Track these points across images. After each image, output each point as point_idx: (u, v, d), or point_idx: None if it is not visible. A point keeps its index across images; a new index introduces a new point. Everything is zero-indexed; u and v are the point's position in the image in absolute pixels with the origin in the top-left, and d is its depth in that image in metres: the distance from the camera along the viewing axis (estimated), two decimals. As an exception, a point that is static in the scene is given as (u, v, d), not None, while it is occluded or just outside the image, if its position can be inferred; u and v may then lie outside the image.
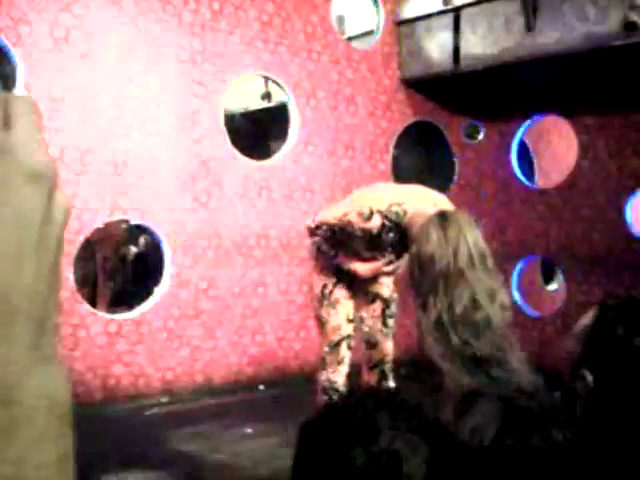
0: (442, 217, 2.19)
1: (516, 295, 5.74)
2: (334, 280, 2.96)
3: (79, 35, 3.83)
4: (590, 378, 1.41)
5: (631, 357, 1.40)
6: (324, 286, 2.97)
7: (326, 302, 2.97)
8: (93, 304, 4.01)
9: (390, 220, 2.66)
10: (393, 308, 3.16)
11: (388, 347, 3.11)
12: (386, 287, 3.15)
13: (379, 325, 3.10)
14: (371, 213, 2.66)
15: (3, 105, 0.36)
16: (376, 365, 3.07)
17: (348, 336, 2.98)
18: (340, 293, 2.97)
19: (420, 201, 2.67)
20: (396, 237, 2.71)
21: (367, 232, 2.69)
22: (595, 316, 1.45)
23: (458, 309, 1.94)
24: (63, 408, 0.39)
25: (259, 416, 4.02)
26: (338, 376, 2.94)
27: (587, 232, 5.31)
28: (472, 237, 2.17)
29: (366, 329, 3.08)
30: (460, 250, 2.13)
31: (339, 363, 2.94)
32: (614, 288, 4.92)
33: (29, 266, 0.37)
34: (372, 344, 3.06)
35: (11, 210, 0.36)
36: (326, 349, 2.99)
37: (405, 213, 2.60)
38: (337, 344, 2.96)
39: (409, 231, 2.60)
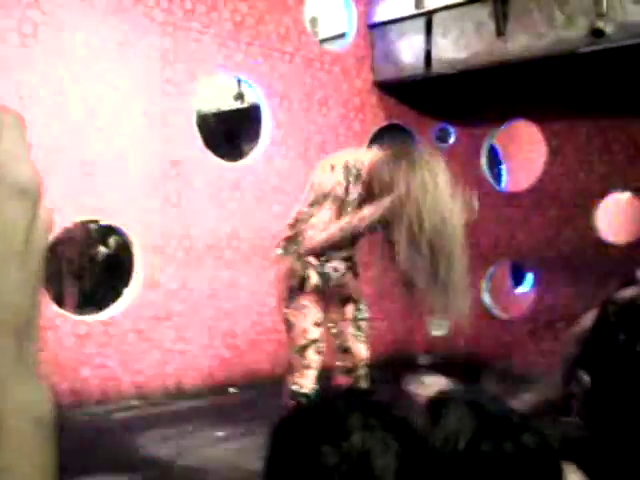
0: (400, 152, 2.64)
1: (487, 298, 5.79)
2: (301, 280, 2.92)
3: (48, 32, 3.77)
4: (587, 379, 1.41)
5: (632, 363, 1.41)
6: (290, 289, 2.93)
7: (292, 305, 2.92)
8: (60, 305, 3.94)
9: (350, 174, 2.78)
10: (364, 311, 3.14)
11: (362, 352, 3.08)
12: (355, 290, 3.13)
13: (351, 329, 3.08)
14: (332, 168, 2.78)
15: None
16: (350, 370, 3.05)
17: (315, 340, 2.93)
18: (307, 297, 2.92)
19: (374, 154, 2.85)
20: (360, 194, 2.79)
21: (335, 196, 2.77)
22: (596, 320, 1.45)
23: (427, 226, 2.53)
24: (45, 421, 0.38)
25: (230, 419, 3.99)
26: (305, 380, 2.89)
27: (556, 235, 5.37)
28: (433, 167, 2.54)
29: (337, 333, 3.05)
30: (423, 177, 2.59)
31: (306, 367, 2.89)
32: (582, 291, 4.99)
33: (12, 279, 0.36)
34: (345, 348, 3.04)
35: None
36: (293, 353, 2.95)
37: (362, 163, 2.77)
38: (304, 348, 2.92)
39: (371, 177, 2.75)
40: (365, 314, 3.16)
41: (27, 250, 0.36)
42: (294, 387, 2.90)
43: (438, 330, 6.02)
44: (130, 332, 4.13)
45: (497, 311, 5.79)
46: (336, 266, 3.02)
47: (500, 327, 5.66)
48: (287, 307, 2.94)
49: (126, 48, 4.08)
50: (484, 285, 5.80)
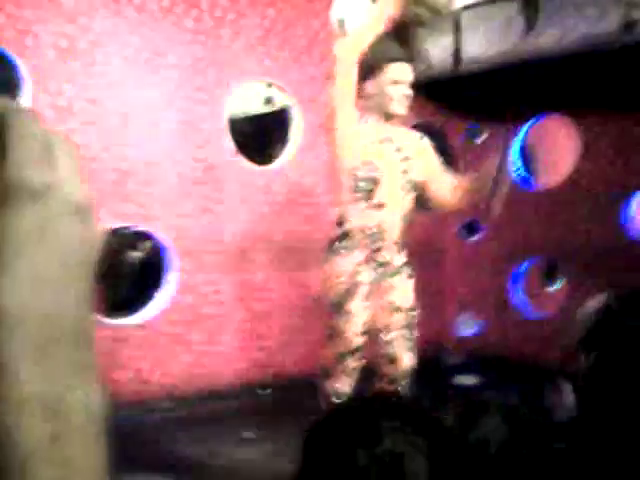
0: None
1: (518, 295, 5.77)
2: (347, 289, 2.80)
3: (83, 44, 3.87)
4: (586, 359, 1.44)
5: (635, 345, 1.43)
6: (337, 296, 2.81)
7: (341, 312, 2.82)
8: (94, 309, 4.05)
9: None
10: (415, 319, 3.01)
11: (408, 361, 2.97)
12: (407, 296, 2.99)
13: (400, 339, 2.95)
14: None
15: (46, 146, 0.41)
16: (393, 381, 2.95)
17: (358, 349, 2.85)
18: (356, 304, 2.81)
19: None
20: None
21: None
22: (603, 304, 1.48)
23: None
24: (99, 422, 0.44)
25: (261, 421, 4.05)
26: (344, 386, 2.86)
27: (588, 233, 5.33)
28: None
29: (387, 341, 2.93)
30: None
31: (346, 374, 2.86)
32: (615, 289, 4.94)
33: (73, 291, 0.41)
34: (392, 359, 2.93)
35: (56, 243, 0.40)
36: (334, 359, 2.89)
37: None
38: (345, 356, 2.86)
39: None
40: (415, 319, 3.01)
41: (83, 263, 0.42)
42: (331, 392, 2.90)
43: (467, 329, 6.03)
44: (163, 335, 4.23)
45: (529, 309, 5.77)
46: (387, 259, 2.89)
47: (532, 325, 5.64)
48: (334, 313, 2.83)
49: (158, 57, 4.17)
50: (515, 283, 5.79)
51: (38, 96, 3.74)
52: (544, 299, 6.18)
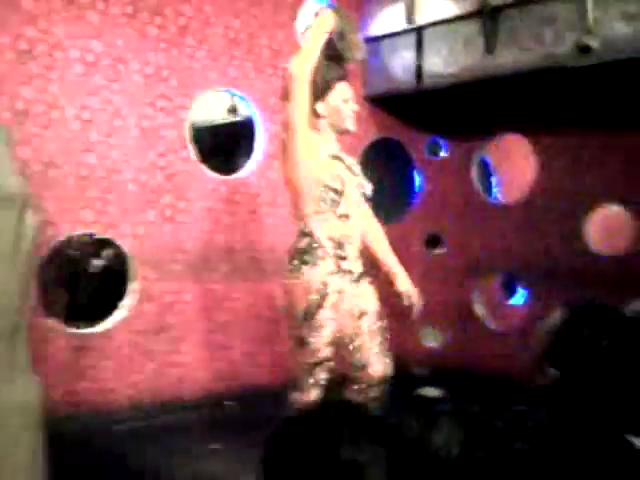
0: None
1: (480, 310, 5.83)
2: (318, 299, 2.80)
3: (43, 48, 3.81)
4: (554, 372, 1.47)
5: (596, 356, 1.46)
6: (308, 307, 2.80)
7: (307, 324, 2.80)
8: (54, 318, 3.95)
9: None
10: (384, 323, 3.02)
11: (380, 367, 2.96)
12: (371, 301, 3.01)
13: (369, 344, 2.94)
14: None
15: None
16: (365, 389, 2.94)
17: (327, 359, 2.85)
18: (325, 314, 2.81)
19: None
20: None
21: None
22: (561, 316, 1.52)
23: None
24: (34, 417, 0.42)
25: (226, 432, 4.00)
26: (312, 398, 2.83)
27: (547, 248, 5.43)
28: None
29: (354, 349, 2.92)
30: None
31: (313, 386, 2.85)
32: (570, 303, 5.03)
33: (5, 283, 0.39)
34: (362, 365, 2.92)
35: None
36: (302, 371, 2.87)
37: None
38: (314, 366, 2.84)
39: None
40: (384, 324, 3.02)
41: (14, 255, 0.40)
42: (298, 404, 2.86)
43: (431, 341, 6.05)
44: (125, 345, 4.14)
45: (490, 323, 5.82)
46: (351, 268, 2.92)
47: (493, 339, 5.69)
48: (302, 325, 2.81)
49: (120, 64, 4.13)
50: (477, 297, 5.85)
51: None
52: (506, 312, 6.26)
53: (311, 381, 2.84)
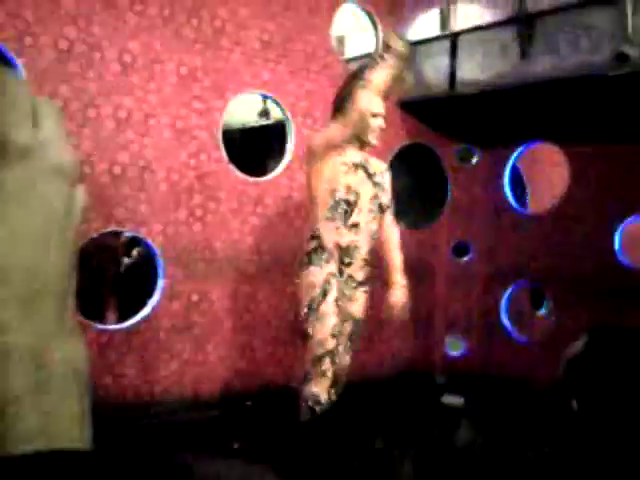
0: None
1: (505, 318, 5.79)
2: (321, 292, 3.07)
3: (82, 47, 3.88)
4: (575, 405, 1.46)
5: (618, 385, 1.45)
6: (311, 299, 3.07)
7: (313, 316, 3.06)
8: (83, 314, 4.01)
9: None
10: (359, 329, 3.36)
11: (347, 365, 3.31)
12: (361, 309, 3.32)
13: (347, 344, 3.28)
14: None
15: (32, 107, 0.41)
16: (336, 383, 3.17)
17: (332, 351, 3.06)
18: (328, 307, 3.07)
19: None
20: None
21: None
22: (584, 344, 1.51)
23: None
24: (82, 373, 0.45)
25: (246, 430, 4.05)
26: (321, 390, 2.98)
27: (576, 258, 5.37)
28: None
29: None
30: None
31: (322, 376, 2.99)
32: (601, 314, 4.98)
33: (54, 249, 0.42)
34: (337, 362, 3.15)
35: (39, 200, 0.41)
36: (310, 363, 3.07)
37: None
38: (320, 358, 3.04)
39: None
40: (359, 331, 3.36)
41: (65, 225, 0.42)
42: (309, 397, 2.98)
43: (455, 349, 6.03)
44: (150, 342, 4.20)
45: (516, 333, 5.78)
46: (354, 275, 3.17)
47: (518, 349, 5.65)
48: (307, 318, 3.08)
49: (156, 64, 4.18)
50: (502, 305, 5.80)
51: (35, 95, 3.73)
52: (531, 323, 6.20)
53: (319, 372, 3.02)
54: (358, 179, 3.22)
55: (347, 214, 3.14)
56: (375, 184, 3.31)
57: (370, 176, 3.30)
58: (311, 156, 3.20)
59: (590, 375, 1.46)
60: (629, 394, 1.46)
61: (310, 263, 3.14)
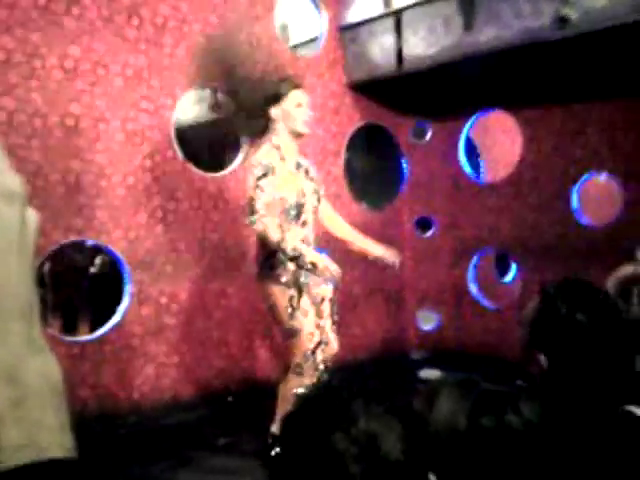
0: None
1: (473, 288, 5.87)
2: (297, 290, 3.18)
3: (20, 56, 3.78)
4: (543, 359, 1.50)
5: (576, 332, 1.49)
6: (291, 298, 3.17)
7: (297, 312, 3.15)
8: (49, 327, 3.96)
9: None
10: (336, 307, 3.49)
11: (335, 345, 3.39)
12: (328, 288, 3.43)
13: (330, 324, 3.38)
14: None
15: None
16: (326, 363, 3.27)
17: (320, 342, 3.19)
18: (305, 301, 3.20)
19: None
20: None
21: None
22: (538, 300, 1.55)
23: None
24: (58, 385, 0.45)
25: (230, 427, 4.03)
26: (313, 381, 3.07)
27: (537, 223, 5.46)
28: None
29: (320, 327, 3.30)
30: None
31: (315, 369, 3.09)
32: (567, 275, 5.08)
33: (14, 270, 0.42)
34: (325, 343, 3.28)
35: None
36: (303, 358, 3.15)
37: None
38: (314, 351, 3.15)
39: None
40: (336, 308, 3.47)
41: (22, 244, 0.43)
42: (303, 389, 3.04)
43: (427, 323, 6.09)
44: (124, 349, 4.15)
45: (484, 301, 5.86)
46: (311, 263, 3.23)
47: (488, 317, 5.73)
48: (290, 315, 3.17)
49: (100, 68, 4.10)
50: (470, 275, 5.88)
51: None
52: (500, 290, 6.30)
53: (312, 365, 3.14)
54: (300, 179, 3.37)
55: (297, 215, 3.28)
56: (312, 179, 3.46)
57: (306, 172, 3.45)
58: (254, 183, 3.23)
59: (549, 333, 1.50)
60: (588, 344, 1.50)
61: (274, 267, 3.22)
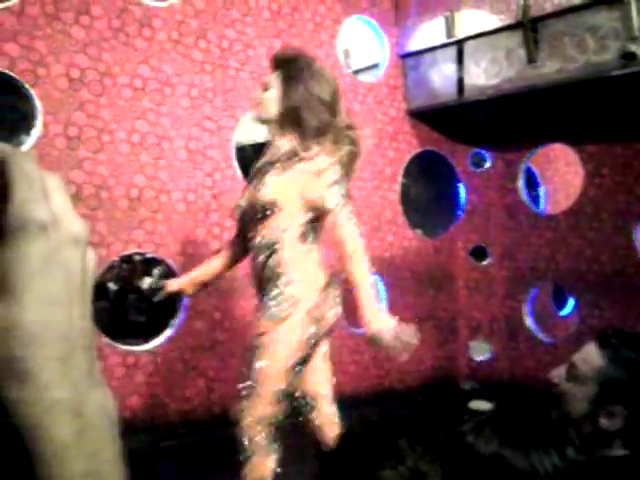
0: None
1: (528, 320, 5.76)
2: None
3: (94, 75, 3.96)
4: (622, 411, 1.44)
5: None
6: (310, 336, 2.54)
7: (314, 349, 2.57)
8: (109, 336, 4.07)
9: None
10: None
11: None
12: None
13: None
14: None
15: (43, 184, 0.46)
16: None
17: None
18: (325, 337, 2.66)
19: None
20: None
21: None
22: (602, 356, 1.49)
23: None
24: (113, 419, 0.49)
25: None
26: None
27: (596, 257, 5.35)
28: None
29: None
30: None
31: None
32: (625, 312, 4.95)
33: (78, 309, 0.47)
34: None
35: (61, 268, 0.45)
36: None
37: None
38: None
39: None
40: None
41: (83, 284, 0.47)
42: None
43: (480, 354, 6.00)
44: (176, 361, 4.23)
45: (540, 334, 5.75)
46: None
47: (543, 350, 5.62)
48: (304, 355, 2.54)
49: (167, 88, 4.25)
50: (525, 307, 5.78)
51: (49, 125, 3.81)
52: (556, 323, 6.17)
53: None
54: None
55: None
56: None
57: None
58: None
59: (628, 383, 1.45)
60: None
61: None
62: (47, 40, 3.78)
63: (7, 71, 3.66)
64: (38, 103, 3.77)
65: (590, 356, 1.54)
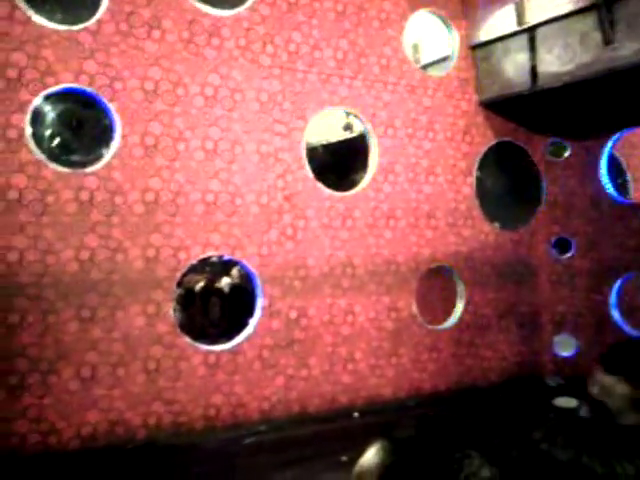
0: None
1: (615, 313, 5.55)
2: None
3: (167, 86, 4.12)
4: None
5: None
6: None
7: None
8: (191, 336, 4.22)
9: None
10: None
11: None
12: None
13: None
14: None
15: None
16: None
17: None
18: None
19: None
20: None
21: None
22: None
23: None
24: None
25: (352, 444, 4.05)
26: None
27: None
28: None
29: None
30: None
31: None
32: None
33: None
34: None
35: None
36: None
37: None
38: None
39: None
40: None
41: None
42: None
43: (565, 349, 5.82)
44: (255, 360, 4.34)
45: (627, 327, 5.52)
46: None
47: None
48: None
49: (237, 93, 4.36)
50: (611, 300, 5.57)
51: (127, 136, 3.99)
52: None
53: None
54: None
55: None
56: None
57: None
58: None
59: None
60: None
61: None
62: (122, 56, 3.97)
63: (87, 87, 3.87)
64: (116, 116, 3.95)
65: None
